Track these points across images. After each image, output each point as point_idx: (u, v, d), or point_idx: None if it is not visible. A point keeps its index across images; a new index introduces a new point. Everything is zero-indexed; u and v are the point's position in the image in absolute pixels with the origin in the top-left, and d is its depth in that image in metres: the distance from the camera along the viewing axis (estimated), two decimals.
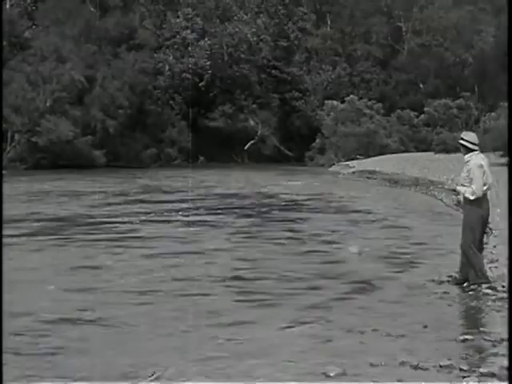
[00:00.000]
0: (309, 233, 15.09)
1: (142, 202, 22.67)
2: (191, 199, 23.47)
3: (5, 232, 14.73)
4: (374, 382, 5.55)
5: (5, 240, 13.67)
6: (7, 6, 53.30)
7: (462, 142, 9.08)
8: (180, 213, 19.12)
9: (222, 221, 17.37)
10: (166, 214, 19.01)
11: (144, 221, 17.15)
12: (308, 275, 10.11)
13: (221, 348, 6.58)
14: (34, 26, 54.33)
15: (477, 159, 8.96)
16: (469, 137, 9.13)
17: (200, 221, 17.22)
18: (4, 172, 32.07)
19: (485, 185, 8.88)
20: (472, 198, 8.86)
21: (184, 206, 21.17)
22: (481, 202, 8.91)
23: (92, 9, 58.05)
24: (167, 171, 43.58)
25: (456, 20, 67.02)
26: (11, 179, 32.39)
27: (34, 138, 46.76)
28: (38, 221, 17.19)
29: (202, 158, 58.46)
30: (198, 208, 20.52)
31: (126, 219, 17.38)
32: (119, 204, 21.80)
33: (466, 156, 9.05)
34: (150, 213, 18.95)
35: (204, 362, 6.17)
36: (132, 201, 23.00)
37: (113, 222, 16.90)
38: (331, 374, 5.73)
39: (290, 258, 11.77)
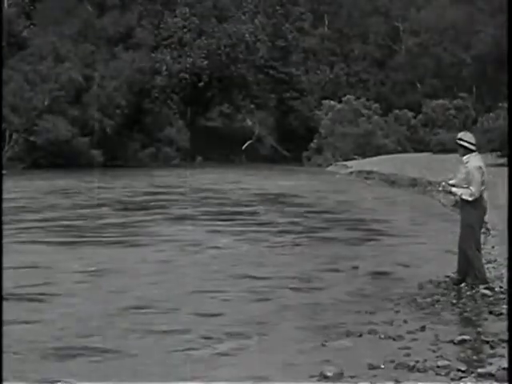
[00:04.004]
0: None
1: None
2: (199, 192, 26.14)
3: (99, 211, 18.12)
4: (371, 383, 5.57)
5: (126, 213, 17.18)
6: (5, 6, 53.21)
7: (460, 142, 8.90)
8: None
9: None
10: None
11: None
12: None
13: None
14: (31, 26, 54.28)
15: (475, 161, 8.85)
16: (467, 137, 8.96)
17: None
18: (4, 172, 32.06)
19: (482, 185, 8.85)
20: (470, 199, 8.82)
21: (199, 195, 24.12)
22: (479, 202, 8.87)
23: (90, 8, 57.97)
24: (167, 170, 43.65)
25: (454, 20, 66.99)
26: (20, 178, 32.84)
27: (32, 137, 46.72)
28: (101, 206, 19.79)
29: (199, 158, 58.42)
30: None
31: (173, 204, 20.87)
32: (151, 194, 24.62)
33: (465, 157, 8.90)
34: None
35: None
36: (158, 192, 25.54)
37: (168, 205, 20.33)
38: (329, 375, 5.74)
39: None
